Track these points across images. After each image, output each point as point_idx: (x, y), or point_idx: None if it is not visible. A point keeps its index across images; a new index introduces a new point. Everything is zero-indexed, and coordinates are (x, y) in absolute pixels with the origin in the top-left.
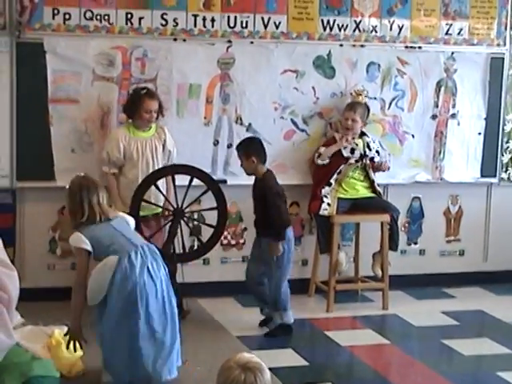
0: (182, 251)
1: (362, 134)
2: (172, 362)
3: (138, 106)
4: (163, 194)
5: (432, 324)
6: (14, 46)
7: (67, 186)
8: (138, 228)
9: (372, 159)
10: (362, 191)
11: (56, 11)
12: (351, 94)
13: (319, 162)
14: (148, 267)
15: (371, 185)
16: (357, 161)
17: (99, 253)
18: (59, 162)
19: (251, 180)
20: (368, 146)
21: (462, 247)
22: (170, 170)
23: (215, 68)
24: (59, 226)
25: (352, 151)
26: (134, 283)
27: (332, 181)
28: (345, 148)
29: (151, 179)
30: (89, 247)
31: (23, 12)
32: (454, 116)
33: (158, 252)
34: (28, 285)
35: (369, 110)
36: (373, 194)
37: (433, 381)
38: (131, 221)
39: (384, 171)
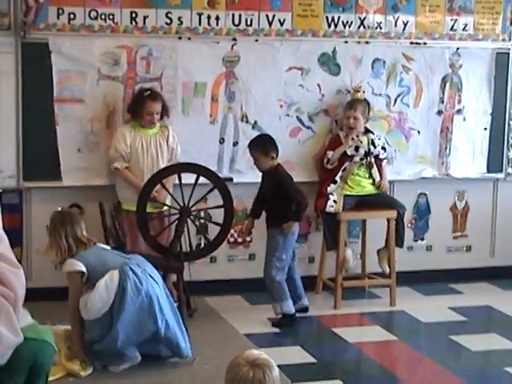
0: (188, 250)
1: (367, 131)
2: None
3: (141, 107)
4: (169, 193)
5: (440, 320)
6: (20, 47)
7: (48, 225)
8: (144, 226)
9: (377, 156)
10: (368, 188)
11: (61, 11)
12: (349, 92)
13: (329, 166)
14: (148, 273)
15: (375, 183)
16: (361, 158)
17: (94, 274)
18: (65, 162)
19: (257, 178)
20: (373, 143)
21: (469, 243)
22: (176, 169)
23: (220, 66)
24: None
25: (356, 149)
26: (145, 290)
27: (337, 178)
28: (349, 147)
29: (157, 178)
30: (83, 268)
31: (28, 12)
32: (459, 112)
33: (143, 258)
34: (35, 284)
35: (369, 106)
36: (379, 191)
37: (441, 377)
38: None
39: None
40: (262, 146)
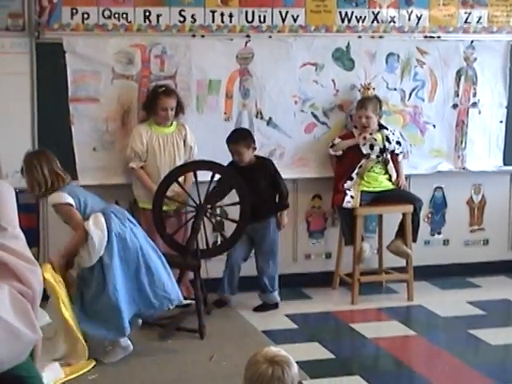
0: (205, 247)
1: (381, 127)
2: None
3: (155, 103)
4: (185, 191)
5: (458, 314)
6: (34, 47)
7: (23, 165)
8: (161, 224)
9: (393, 151)
10: (385, 183)
11: (74, 11)
12: (359, 90)
13: (331, 151)
14: (128, 218)
15: (391, 178)
16: (377, 156)
17: (80, 210)
18: (81, 161)
19: None
20: (387, 139)
21: (486, 236)
22: (192, 166)
23: (234, 63)
24: None
25: (371, 147)
26: (129, 234)
27: (353, 175)
28: (364, 145)
29: (173, 176)
30: (71, 201)
31: (42, 13)
32: (474, 105)
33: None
34: None
35: (380, 102)
36: (395, 186)
37: (460, 371)
38: None
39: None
40: (245, 138)
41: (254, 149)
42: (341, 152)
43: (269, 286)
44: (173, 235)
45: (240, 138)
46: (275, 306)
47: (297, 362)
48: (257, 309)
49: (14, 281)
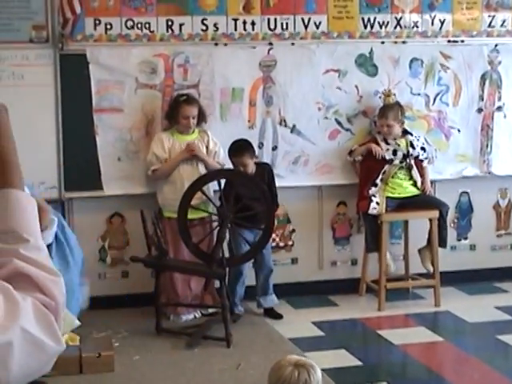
0: (230, 255)
1: (406, 133)
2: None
3: (177, 112)
4: (210, 199)
5: (486, 320)
6: (58, 58)
7: None
8: (186, 233)
9: (417, 157)
10: (410, 189)
11: (97, 21)
12: (380, 97)
13: (349, 158)
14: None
15: (416, 184)
16: (401, 161)
17: None
18: (106, 171)
19: (298, 181)
20: (411, 145)
21: None
22: (217, 175)
23: (257, 71)
24: (108, 235)
25: (394, 153)
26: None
27: (377, 181)
28: (387, 151)
29: (198, 184)
30: None
31: (65, 24)
32: (499, 109)
33: None
34: None
35: (402, 108)
36: (420, 192)
37: (489, 377)
38: None
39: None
40: (248, 150)
41: (256, 158)
42: (360, 157)
43: (271, 288)
44: (198, 244)
45: (245, 150)
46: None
47: (324, 370)
48: (275, 316)
49: (36, 292)
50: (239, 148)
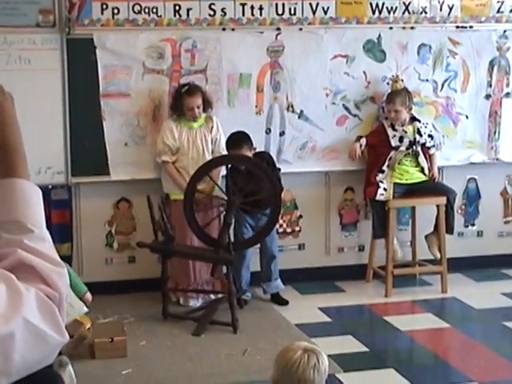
0: (234, 240)
1: (413, 120)
2: None
3: (181, 103)
4: (217, 184)
5: (492, 306)
6: (65, 43)
7: None
8: (192, 219)
9: (424, 145)
10: (417, 175)
11: (104, 6)
12: (388, 83)
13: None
14: None
15: (423, 170)
16: (407, 148)
17: None
18: (113, 156)
19: (305, 167)
20: (418, 132)
21: None
22: (225, 160)
23: (265, 56)
24: (115, 220)
25: (401, 139)
26: None
27: (384, 168)
28: (393, 137)
29: (203, 170)
30: None
31: (72, 8)
32: (508, 95)
33: None
34: (86, 279)
35: (410, 94)
36: (428, 178)
37: (495, 363)
38: None
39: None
40: (247, 142)
41: (255, 149)
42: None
43: (276, 273)
44: (203, 229)
45: (243, 142)
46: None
47: (330, 356)
48: (281, 301)
49: (40, 283)
50: (237, 141)
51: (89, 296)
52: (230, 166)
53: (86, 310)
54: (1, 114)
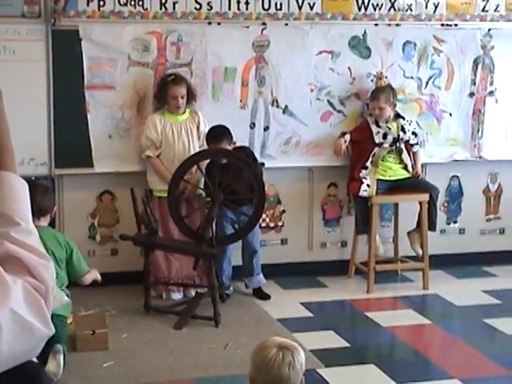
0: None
1: (398, 117)
2: None
3: (165, 92)
4: (205, 177)
5: (473, 303)
6: (50, 34)
7: None
8: (175, 211)
9: (407, 142)
10: (400, 172)
11: None
12: (372, 80)
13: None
14: None
15: (407, 167)
16: (391, 145)
17: None
18: (97, 149)
19: (289, 162)
20: (402, 129)
21: (502, 225)
22: (209, 154)
23: (250, 51)
24: (98, 212)
25: (384, 136)
26: None
27: (368, 164)
28: (377, 134)
29: (188, 164)
30: None
31: None
32: (491, 93)
33: None
34: None
35: (394, 91)
36: (411, 175)
37: (476, 360)
38: None
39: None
40: (227, 136)
41: (234, 143)
42: (347, 145)
43: (258, 268)
44: (185, 218)
45: (223, 136)
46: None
47: (311, 351)
48: (263, 296)
49: (27, 275)
50: (217, 134)
51: (89, 277)
52: (209, 160)
53: (67, 299)
54: None
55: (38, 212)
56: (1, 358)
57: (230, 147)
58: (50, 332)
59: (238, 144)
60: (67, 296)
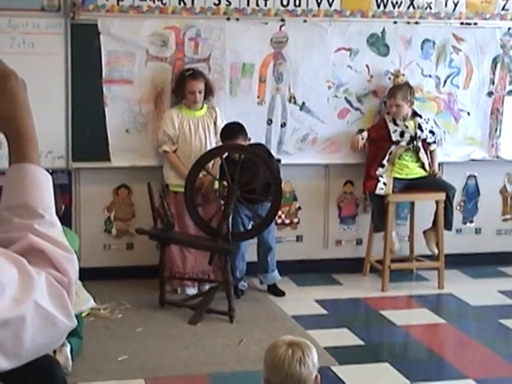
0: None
1: (415, 115)
2: None
3: (183, 87)
4: (224, 171)
5: (489, 303)
6: (69, 28)
7: None
8: (192, 206)
9: (424, 140)
10: (417, 171)
11: None
12: (389, 78)
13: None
14: None
15: (424, 166)
16: (408, 143)
17: None
18: (114, 143)
19: (306, 159)
20: (420, 127)
21: None
22: (226, 150)
23: (268, 47)
24: (114, 206)
25: (401, 134)
26: None
27: (384, 162)
28: (394, 132)
29: (205, 159)
30: None
31: None
32: (510, 93)
33: None
34: (84, 265)
35: (412, 89)
36: (428, 174)
37: (490, 360)
38: None
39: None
40: (242, 133)
41: (249, 140)
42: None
43: (273, 265)
44: (203, 218)
45: (238, 133)
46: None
47: (326, 348)
48: (277, 292)
49: (50, 268)
50: (233, 131)
51: None
52: (225, 157)
53: (93, 304)
54: (15, 101)
55: None
56: (24, 350)
57: (245, 144)
58: (73, 324)
59: (254, 141)
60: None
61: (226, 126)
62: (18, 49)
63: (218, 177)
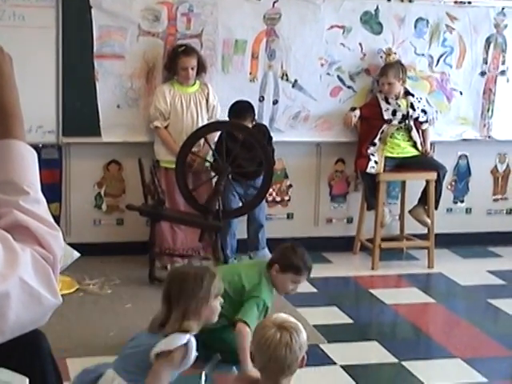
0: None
1: (407, 94)
2: None
3: (175, 63)
4: (212, 149)
5: (478, 283)
6: (60, 1)
7: None
8: (183, 182)
9: (417, 119)
10: (408, 150)
11: None
12: (381, 56)
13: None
14: None
15: (415, 145)
16: (400, 122)
17: None
18: (105, 118)
19: (297, 137)
20: (412, 106)
21: (510, 206)
22: (218, 126)
23: (261, 23)
24: (105, 182)
25: (394, 113)
26: None
27: (376, 141)
28: (386, 110)
29: (199, 134)
30: None
31: None
32: (503, 73)
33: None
34: (73, 240)
35: (403, 67)
36: (419, 153)
37: (478, 340)
38: None
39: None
40: (252, 113)
41: (255, 120)
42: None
43: (263, 242)
44: (193, 191)
45: (247, 113)
46: None
47: (315, 326)
48: None
49: (35, 245)
50: (242, 110)
51: None
52: (227, 132)
53: (78, 254)
54: (0, 77)
55: None
56: (8, 326)
57: (250, 125)
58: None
59: None
60: None
61: (236, 103)
62: (8, 22)
63: (210, 153)
